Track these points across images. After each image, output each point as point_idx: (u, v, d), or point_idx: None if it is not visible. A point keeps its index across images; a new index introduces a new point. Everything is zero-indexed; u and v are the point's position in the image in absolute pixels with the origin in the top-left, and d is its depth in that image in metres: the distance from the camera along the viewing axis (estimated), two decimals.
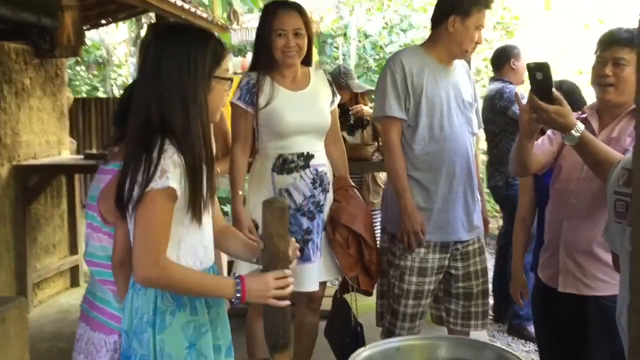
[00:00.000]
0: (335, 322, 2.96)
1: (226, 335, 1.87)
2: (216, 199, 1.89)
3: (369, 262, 2.78)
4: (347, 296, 2.91)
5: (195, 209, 1.68)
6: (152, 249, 1.61)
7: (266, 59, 2.71)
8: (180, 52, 1.67)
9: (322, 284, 2.86)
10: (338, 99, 2.92)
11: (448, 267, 2.79)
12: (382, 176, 4.26)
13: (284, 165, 2.70)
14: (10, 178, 4.27)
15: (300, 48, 2.68)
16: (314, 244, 2.74)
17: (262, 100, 2.68)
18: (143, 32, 9.64)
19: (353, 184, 2.95)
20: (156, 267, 1.61)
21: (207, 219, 1.75)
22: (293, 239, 1.80)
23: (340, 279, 2.97)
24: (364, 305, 3.00)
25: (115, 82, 12.73)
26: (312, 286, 2.73)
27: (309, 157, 2.72)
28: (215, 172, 1.78)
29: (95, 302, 2.02)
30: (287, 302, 1.74)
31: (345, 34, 9.25)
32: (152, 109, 1.66)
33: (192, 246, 1.73)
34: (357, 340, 2.79)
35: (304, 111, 2.71)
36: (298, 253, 1.80)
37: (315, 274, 2.75)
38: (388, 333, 2.76)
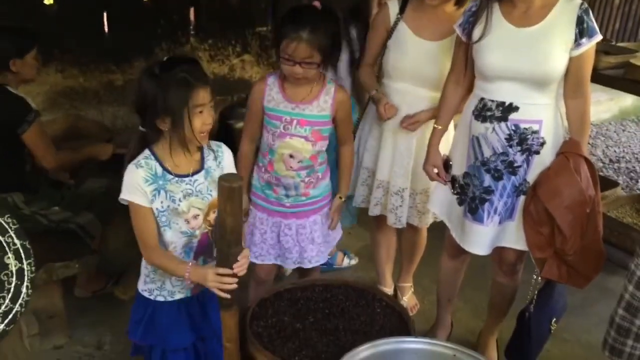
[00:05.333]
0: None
1: None
2: None
3: (562, 252, 2.34)
4: None
5: None
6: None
7: None
8: None
9: (517, 252, 2.54)
10: (595, 39, 2.25)
11: None
12: None
13: (482, 110, 2.38)
14: None
15: None
16: (491, 206, 2.43)
17: (476, 33, 2.34)
18: None
19: (586, 154, 2.35)
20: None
21: None
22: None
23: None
24: None
25: None
26: (478, 249, 2.53)
27: (510, 109, 2.32)
28: None
29: None
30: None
31: None
32: None
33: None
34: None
35: (518, 53, 2.26)
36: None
37: (485, 238, 2.49)
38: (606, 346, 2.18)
